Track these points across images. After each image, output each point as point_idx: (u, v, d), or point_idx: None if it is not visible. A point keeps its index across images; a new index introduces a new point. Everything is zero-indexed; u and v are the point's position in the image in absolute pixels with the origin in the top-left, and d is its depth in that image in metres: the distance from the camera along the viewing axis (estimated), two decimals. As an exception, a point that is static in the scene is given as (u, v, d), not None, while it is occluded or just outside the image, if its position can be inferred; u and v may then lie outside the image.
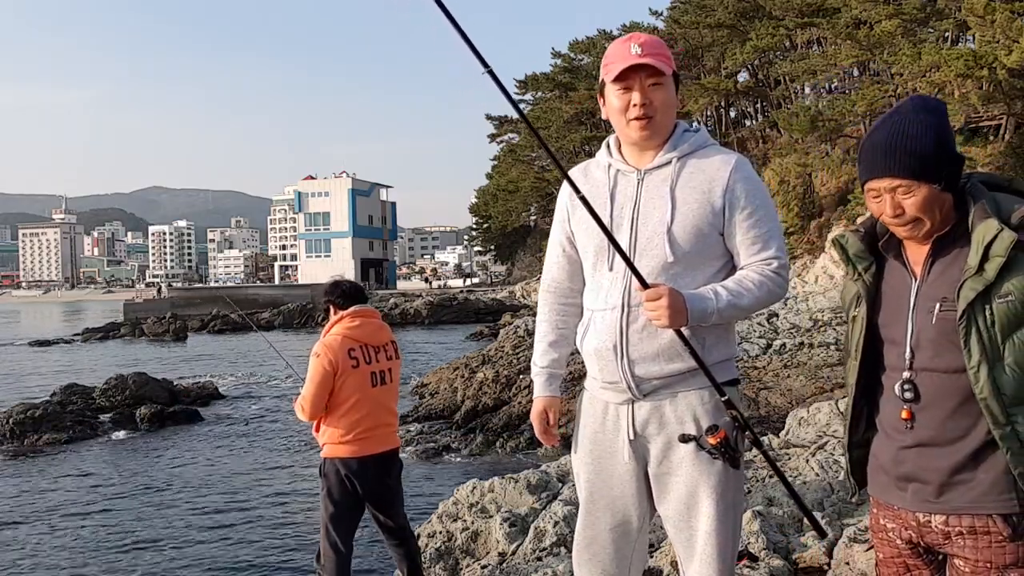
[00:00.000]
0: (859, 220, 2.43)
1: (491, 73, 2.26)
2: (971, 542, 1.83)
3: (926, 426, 1.85)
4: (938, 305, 1.82)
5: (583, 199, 2.24)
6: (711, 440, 2.17)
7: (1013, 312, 1.73)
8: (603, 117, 2.39)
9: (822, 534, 2.43)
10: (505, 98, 2.34)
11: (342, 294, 4.38)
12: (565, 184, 2.43)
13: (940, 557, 1.95)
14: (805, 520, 4.35)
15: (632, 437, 2.30)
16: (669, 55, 2.30)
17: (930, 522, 1.87)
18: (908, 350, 1.87)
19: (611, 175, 2.36)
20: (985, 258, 1.75)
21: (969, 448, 1.81)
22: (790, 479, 5.46)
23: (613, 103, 2.30)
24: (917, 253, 1.91)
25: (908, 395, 1.86)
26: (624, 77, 2.26)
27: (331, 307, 4.39)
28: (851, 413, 2.01)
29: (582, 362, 2.45)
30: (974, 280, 1.75)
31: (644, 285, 2.16)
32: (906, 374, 1.87)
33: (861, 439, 2.02)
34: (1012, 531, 1.80)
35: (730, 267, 2.32)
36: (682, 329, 2.18)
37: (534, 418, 2.47)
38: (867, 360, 1.96)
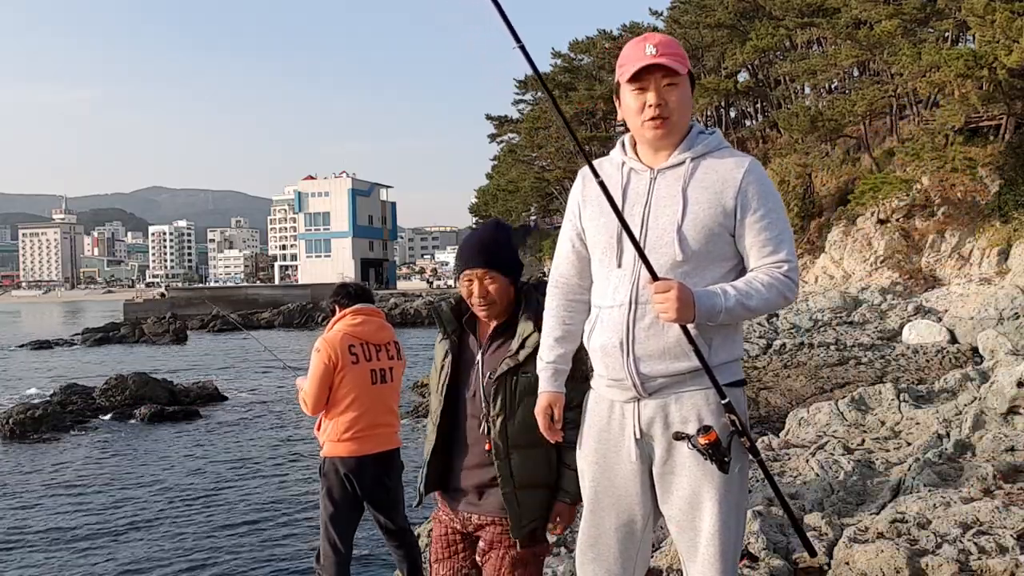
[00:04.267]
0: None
1: (522, 48, 2.29)
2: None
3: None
4: (490, 373, 2.69)
5: (601, 183, 2.25)
6: (701, 440, 2.17)
7: (529, 383, 2.59)
8: (619, 118, 2.41)
9: (811, 552, 2.43)
10: (533, 73, 2.40)
11: (347, 295, 4.45)
12: (577, 180, 2.44)
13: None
14: (804, 522, 4.35)
15: (638, 436, 2.29)
16: (684, 55, 2.29)
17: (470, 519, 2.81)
18: (483, 399, 2.70)
19: (624, 173, 2.36)
20: (522, 346, 2.65)
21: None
22: (790, 479, 5.47)
23: (629, 103, 2.30)
24: (484, 329, 2.80)
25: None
26: (639, 77, 2.25)
27: (336, 308, 4.46)
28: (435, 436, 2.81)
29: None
30: (511, 359, 2.65)
31: (655, 277, 2.16)
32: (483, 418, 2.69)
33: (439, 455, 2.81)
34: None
35: (740, 269, 2.31)
36: (689, 328, 2.18)
37: (539, 413, 2.46)
38: (450, 397, 2.80)
